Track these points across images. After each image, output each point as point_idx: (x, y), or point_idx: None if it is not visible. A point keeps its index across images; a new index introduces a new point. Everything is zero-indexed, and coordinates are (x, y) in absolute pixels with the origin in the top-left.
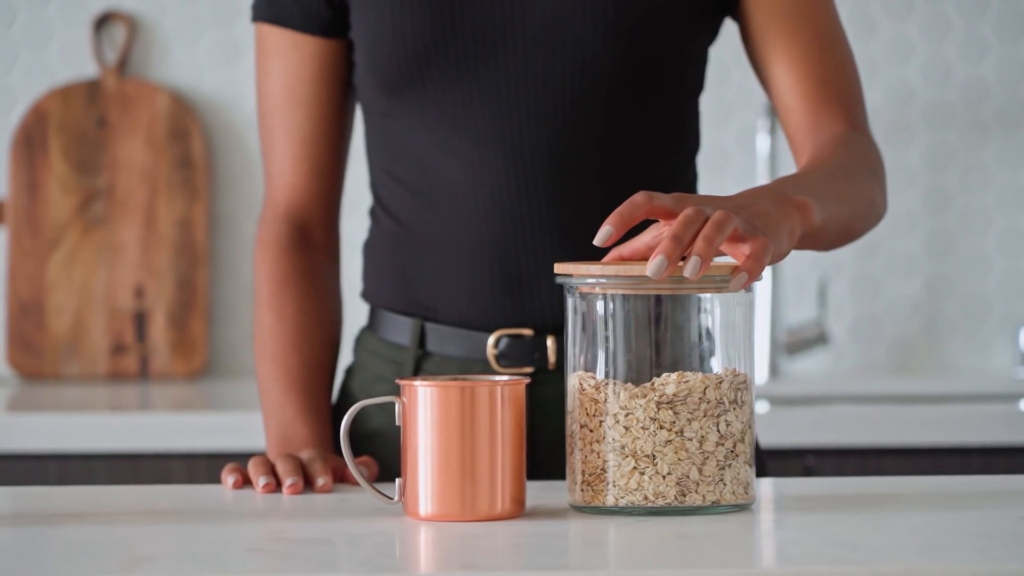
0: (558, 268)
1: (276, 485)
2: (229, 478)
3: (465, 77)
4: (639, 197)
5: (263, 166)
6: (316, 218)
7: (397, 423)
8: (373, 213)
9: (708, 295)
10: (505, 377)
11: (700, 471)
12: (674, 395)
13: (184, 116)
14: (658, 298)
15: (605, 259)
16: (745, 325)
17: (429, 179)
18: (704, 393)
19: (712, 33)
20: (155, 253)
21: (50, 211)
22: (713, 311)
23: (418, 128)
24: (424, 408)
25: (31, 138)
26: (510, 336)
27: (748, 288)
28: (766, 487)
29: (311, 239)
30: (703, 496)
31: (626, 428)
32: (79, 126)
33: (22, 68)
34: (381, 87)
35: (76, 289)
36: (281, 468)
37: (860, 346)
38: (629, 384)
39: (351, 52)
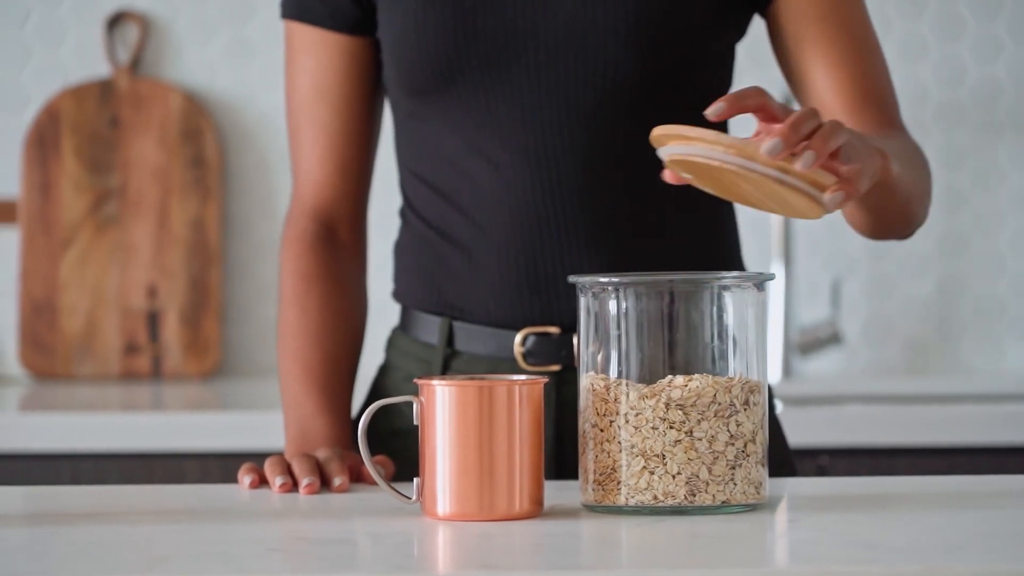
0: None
1: (293, 485)
2: (246, 478)
3: (488, 81)
4: (753, 88)
5: (291, 163)
6: (342, 215)
7: (415, 422)
8: (403, 214)
9: (724, 294)
10: (523, 377)
11: (710, 471)
12: (684, 398)
13: (197, 116)
14: (671, 298)
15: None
16: (758, 325)
17: (455, 180)
18: (715, 396)
19: (739, 30)
20: (168, 253)
21: (63, 211)
22: (726, 311)
23: (444, 130)
24: (442, 408)
25: (44, 138)
26: (537, 334)
27: (760, 287)
28: (779, 487)
29: (337, 236)
30: (713, 496)
31: (636, 428)
32: (92, 126)
33: (35, 68)
34: (406, 89)
35: (89, 289)
36: (297, 468)
37: (873, 346)
38: (640, 384)
39: (379, 50)
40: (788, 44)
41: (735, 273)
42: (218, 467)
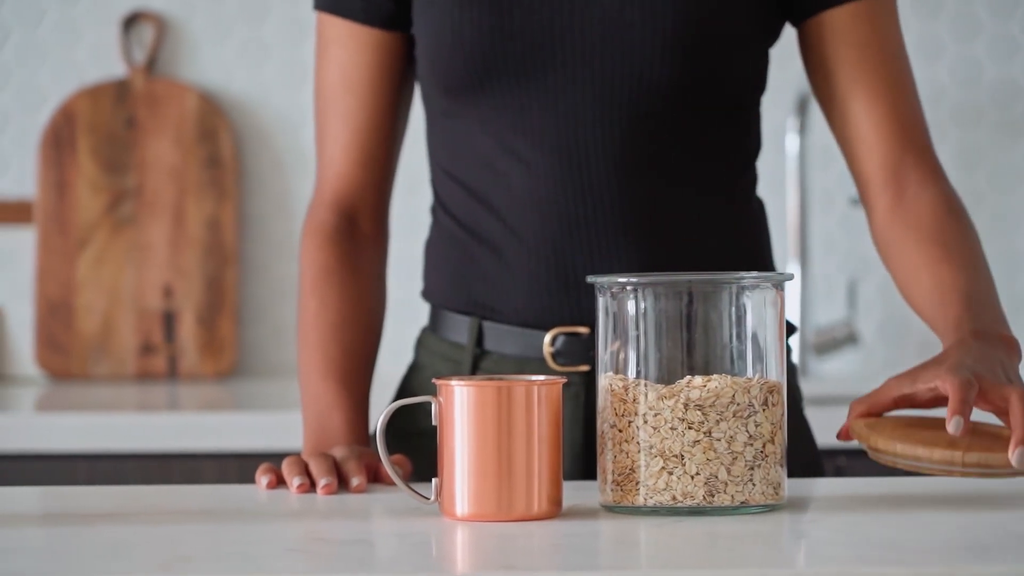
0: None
1: (310, 485)
2: (263, 478)
3: (523, 80)
4: (969, 388)
5: (316, 152)
6: (363, 207)
7: (434, 423)
8: (433, 212)
9: (743, 294)
10: (541, 377)
11: (728, 471)
12: (703, 398)
13: (213, 116)
14: (689, 298)
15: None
16: (776, 325)
17: (487, 179)
18: (733, 397)
19: (774, 36)
20: (184, 253)
21: (79, 211)
22: (744, 311)
23: (477, 128)
24: (461, 408)
25: (60, 138)
26: (566, 334)
27: (778, 287)
28: (797, 487)
29: (357, 228)
30: (732, 496)
31: (655, 428)
32: (108, 126)
33: (51, 68)
34: (441, 87)
35: (105, 289)
36: (315, 468)
37: (890, 346)
38: (658, 384)
39: (411, 46)
40: (826, 63)
41: (754, 273)
42: (235, 467)
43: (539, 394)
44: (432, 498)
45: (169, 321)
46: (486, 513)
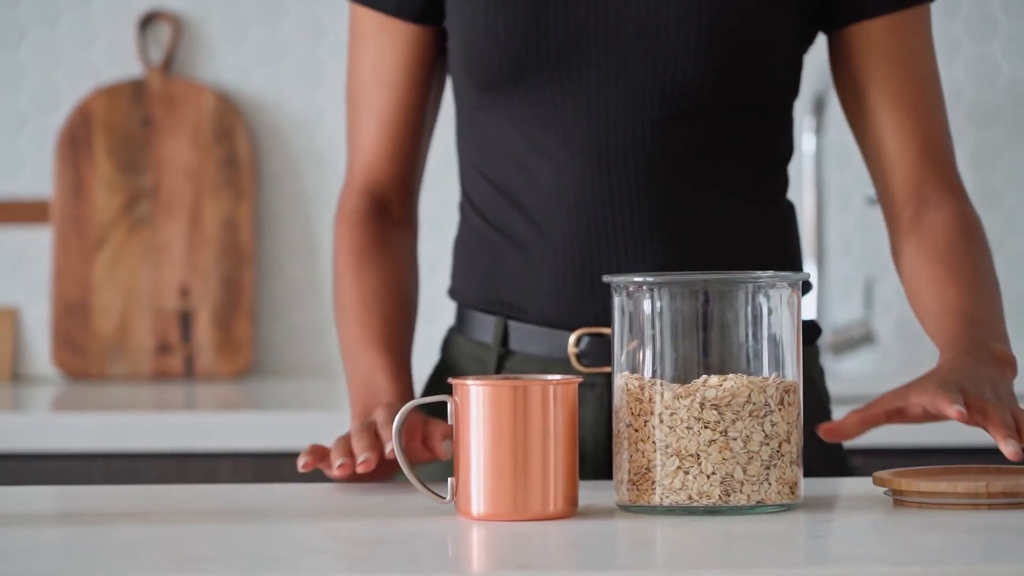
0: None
1: (352, 466)
2: (300, 460)
3: (556, 78)
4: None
5: (347, 142)
6: (394, 198)
7: (450, 422)
8: (462, 208)
9: (758, 294)
10: (557, 377)
11: (744, 471)
12: (718, 398)
13: (229, 115)
14: (705, 298)
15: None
16: (792, 324)
17: (516, 177)
18: (749, 396)
19: (808, 42)
20: (200, 253)
21: (95, 211)
22: (760, 310)
23: (508, 125)
24: (476, 408)
25: (76, 138)
26: (591, 335)
27: (794, 286)
28: (813, 487)
29: (389, 214)
30: (748, 496)
31: (671, 428)
32: (124, 126)
33: (67, 68)
34: (473, 83)
35: (121, 289)
36: (356, 445)
37: (906, 346)
38: (674, 384)
39: (443, 39)
40: (856, 75)
41: (769, 273)
42: (250, 467)
43: (555, 393)
44: (448, 497)
45: (185, 321)
46: (502, 513)
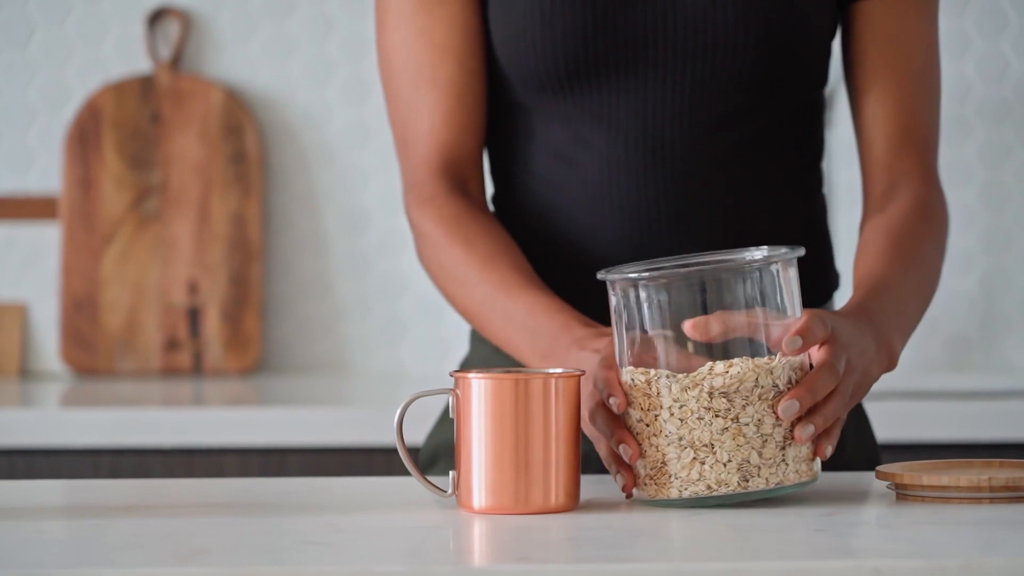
0: (603, 273)
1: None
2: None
3: (612, 77)
4: (820, 331)
5: (400, 140)
6: (472, 172)
7: (451, 415)
8: (498, 203)
9: (754, 275)
10: (559, 370)
11: (760, 455)
12: (726, 385)
13: (238, 111)
14: (702, 285)
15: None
16: (791, 302)
17: (562, 173)
18: (757, 380)
19: (836, 26)
20: (209, 249)
21: (104, 207)
22: (758, 291)
23: (555, 124)
24: (478, 400)
25: (85, 134)
26: None
27: (789, 264)
28: (825, 480)
29: (470, 193)
30: (766, 479)
31: (681, 420)
32: (133, 122)
33: (76, 64)
34: (521, 81)
35: (130, 285)
36: (603, 433)
37: (916, 342)
38: (680, 375)
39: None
40: (852, 52)
41: (764, 250)
42: (258, 462)
43: (557, 387)
44: (449, 491)
45: (194, 317)
46: (503, 506)
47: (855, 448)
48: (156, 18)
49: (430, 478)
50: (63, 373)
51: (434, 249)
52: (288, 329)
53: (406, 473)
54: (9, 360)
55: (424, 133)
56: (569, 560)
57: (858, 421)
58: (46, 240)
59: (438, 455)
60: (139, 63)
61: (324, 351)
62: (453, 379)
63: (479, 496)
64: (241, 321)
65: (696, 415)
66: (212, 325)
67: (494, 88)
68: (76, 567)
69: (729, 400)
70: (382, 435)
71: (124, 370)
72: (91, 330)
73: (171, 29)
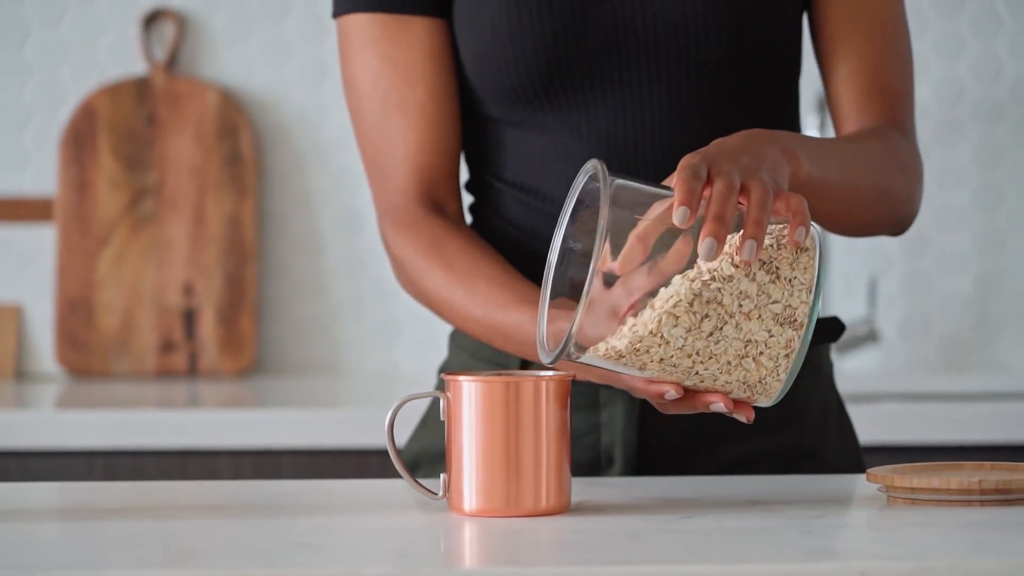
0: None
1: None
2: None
3: (586, 84)
4: (698, 168)
5: (371, 167)
6: (449, 194)
7: (441, 418)
8: (477, 213)
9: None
10: (550, 372)
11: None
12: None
13: (233, 113)
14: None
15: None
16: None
17: (544, 180)
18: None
19: (804, 6)
20: (204, 250)
21: (99, 209)
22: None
23: (534, 133)
24: (468, 403)
25: (80, 135)
26: None
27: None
28: (815, 483)
29: (448, 214)
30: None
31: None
32: (128, 123)
33: (71, 65)
34: (493, 94)
35: (125, 286)
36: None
37: (910, 344)
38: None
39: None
40: (819, 23)
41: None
42: (253, 464)
43: (547, 389)
44: (440, 493)
45: (189, 318)
46: (493, 508)
47: (838, 452)
48: (151, 20)
49: (421, 481)
50: (58, 375)
51: (416, 274)
52: (283, 330)
53: (399, 475)
54: (4, 361)
55: (398, 160)
56: (559, 563)
57: (841, 424)
58: (41, 241)
59: (418, 463)
60: (134, 65)
61: (319, 352)
62: (443, 381)
63: (469, 498)
64: (236, 322)
65: (707, 333)
66: (207, 326)
67: (467, 102)
68: (70, 569)
69: (707, 307)
70: (376, 437)
71: (119, 372)
72: (86, 331)
73: (166, 31)
